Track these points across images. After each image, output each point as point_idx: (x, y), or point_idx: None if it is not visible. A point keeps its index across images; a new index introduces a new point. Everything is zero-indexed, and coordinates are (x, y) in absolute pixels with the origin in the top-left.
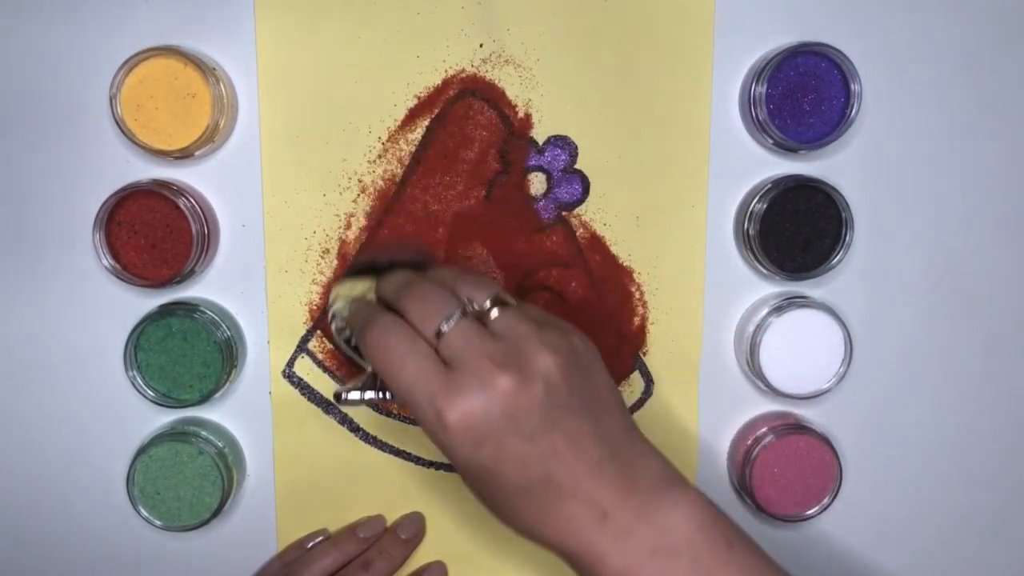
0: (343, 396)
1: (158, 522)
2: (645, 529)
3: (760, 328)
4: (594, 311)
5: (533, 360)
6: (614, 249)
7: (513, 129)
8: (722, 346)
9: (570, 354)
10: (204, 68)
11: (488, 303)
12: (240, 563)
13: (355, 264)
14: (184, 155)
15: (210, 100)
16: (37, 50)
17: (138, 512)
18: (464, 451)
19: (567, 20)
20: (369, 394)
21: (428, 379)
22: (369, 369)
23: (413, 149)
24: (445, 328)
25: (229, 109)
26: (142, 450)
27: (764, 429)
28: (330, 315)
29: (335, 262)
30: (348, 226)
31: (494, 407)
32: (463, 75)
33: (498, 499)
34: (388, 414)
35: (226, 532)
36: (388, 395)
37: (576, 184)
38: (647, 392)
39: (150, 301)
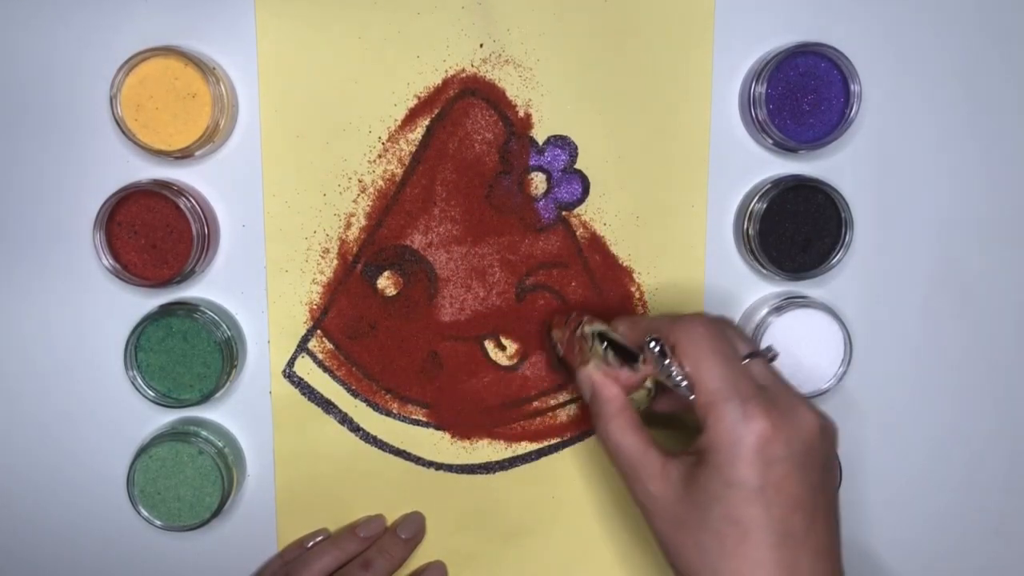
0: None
1: (158, 522)
2: None
3: (760, 328)
4: (594, 311)
5: (822, 415)
6: (614, 249)
7: (513, 129)
8: None
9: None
10: (204, 68)
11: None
12: (240, 563)
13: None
14: (184, 155)
15: (210, 100)
16: (37, 50)
17: (138, 512)
18: (754, 464)
19: (567, 20)
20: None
21: (746, 385)
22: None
23: (413, 149)
24: (748, 359)
25: (229, 109)
26: (142, 450)
27: None
28: (569, 333)
29: (335, 262)
30: (348, 226)
31: (798, 434)
32: (463, 75)
33: (731, 536)
34: (388, 414)
35: (226, 532)
36: (681, 382)
37: (576, 184)
38: None
39: (150, 301)
